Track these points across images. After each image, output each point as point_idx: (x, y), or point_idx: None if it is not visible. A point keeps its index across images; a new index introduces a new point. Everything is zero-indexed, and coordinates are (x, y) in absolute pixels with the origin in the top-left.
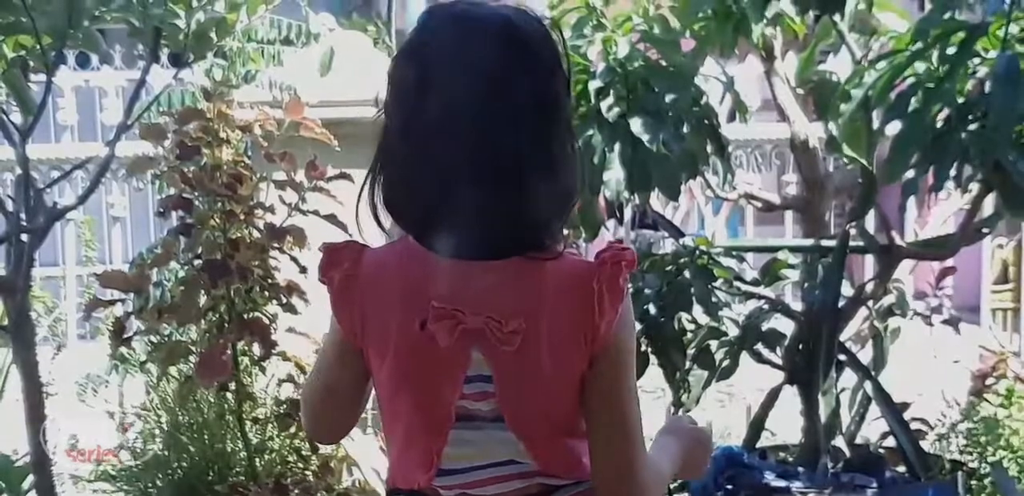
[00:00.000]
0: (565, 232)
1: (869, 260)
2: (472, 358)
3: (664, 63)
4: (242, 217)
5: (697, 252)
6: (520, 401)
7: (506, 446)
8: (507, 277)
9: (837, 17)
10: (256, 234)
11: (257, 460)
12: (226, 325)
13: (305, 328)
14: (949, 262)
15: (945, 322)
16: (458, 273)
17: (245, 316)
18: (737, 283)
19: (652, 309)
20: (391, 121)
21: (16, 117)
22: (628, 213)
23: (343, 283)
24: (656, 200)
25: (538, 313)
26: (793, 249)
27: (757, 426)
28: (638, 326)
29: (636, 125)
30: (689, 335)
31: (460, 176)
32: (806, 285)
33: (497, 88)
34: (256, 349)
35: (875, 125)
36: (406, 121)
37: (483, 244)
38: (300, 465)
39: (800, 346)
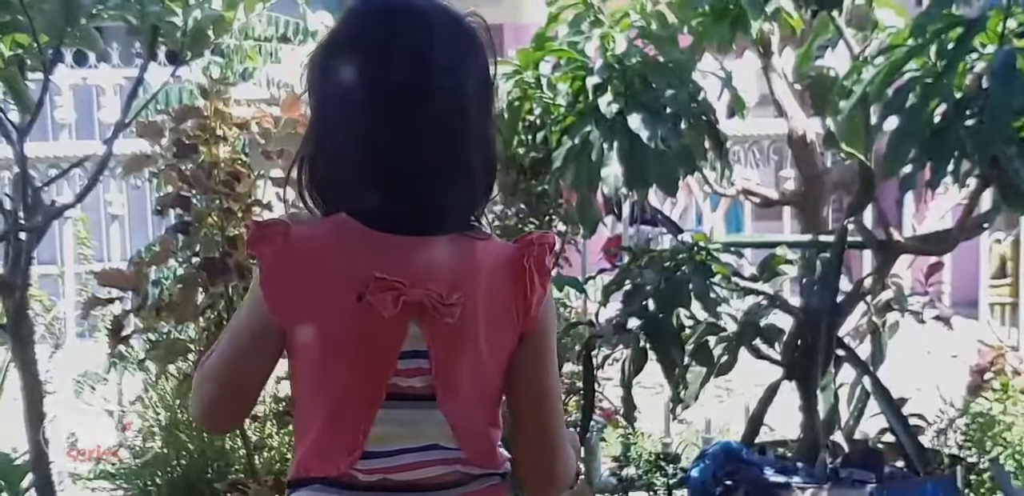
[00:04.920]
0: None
1: (867, 255)
2: (409, 332)
3: (662, 59)
4: (240, 215)
5: (695, 248)
6: (454, 377)
7: (434, 427)
8: (444, 253)
9: (835, 12)
10: None
11: (256, 457)
12: (224, 323)
13: None
14: (943, 258)
15: (936, 318)
16: (397, 248)
17: None
18: (735, 279)
19: (650, 305)
20: (326, 106)
21: (14, 115)
22: (626, 209)
23: (275, 258)
24: (654, 196)
25: (474, 288)
26: (791, 244)
27: (756, 422)
28: (637, 321)
29: (634, 121)
30: (687, 331)
31: (398, 154)
32: (804, 280)
33: (425, 69)
34: None
35: (873, 120)
36: (343, 104)
37: (421, 219)
38: None
39: (798, 342)
